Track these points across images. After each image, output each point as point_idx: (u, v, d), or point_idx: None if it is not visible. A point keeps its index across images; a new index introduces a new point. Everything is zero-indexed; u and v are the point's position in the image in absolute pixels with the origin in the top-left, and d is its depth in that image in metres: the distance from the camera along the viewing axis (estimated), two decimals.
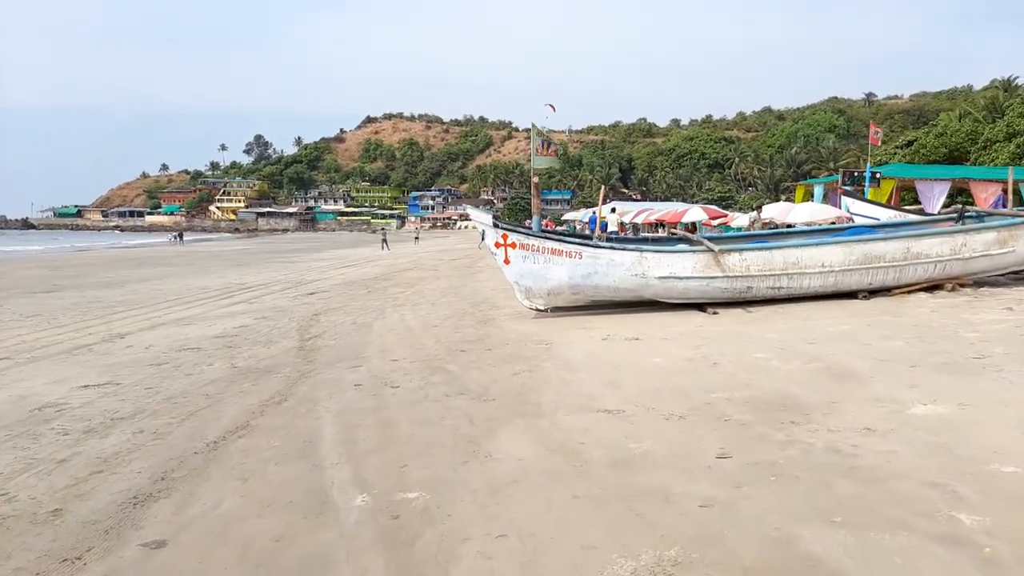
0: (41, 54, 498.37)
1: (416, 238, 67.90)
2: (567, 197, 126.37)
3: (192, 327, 12.46)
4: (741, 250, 10.18)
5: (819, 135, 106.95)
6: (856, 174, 34.89)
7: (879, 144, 35.81)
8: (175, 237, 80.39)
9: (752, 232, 13.08)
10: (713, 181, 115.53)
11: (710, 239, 11.12)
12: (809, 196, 40.35)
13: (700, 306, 10.58)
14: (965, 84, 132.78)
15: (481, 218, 10.40)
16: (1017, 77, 67.22)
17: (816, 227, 19.22)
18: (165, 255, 46.38)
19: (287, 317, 13.10)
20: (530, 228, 10.63)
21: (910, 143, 60.77)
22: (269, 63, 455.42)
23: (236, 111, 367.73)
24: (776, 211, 23.50)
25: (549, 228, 10.79)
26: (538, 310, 10.77)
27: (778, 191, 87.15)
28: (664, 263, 10.11)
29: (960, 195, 32.97)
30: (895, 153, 59.02)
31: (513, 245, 10.41)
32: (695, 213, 29.49)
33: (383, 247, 49.20)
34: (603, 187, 11.12)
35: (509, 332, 9.74)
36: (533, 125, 10.59)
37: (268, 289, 20.15)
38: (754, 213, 24.81)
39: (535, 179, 10.53)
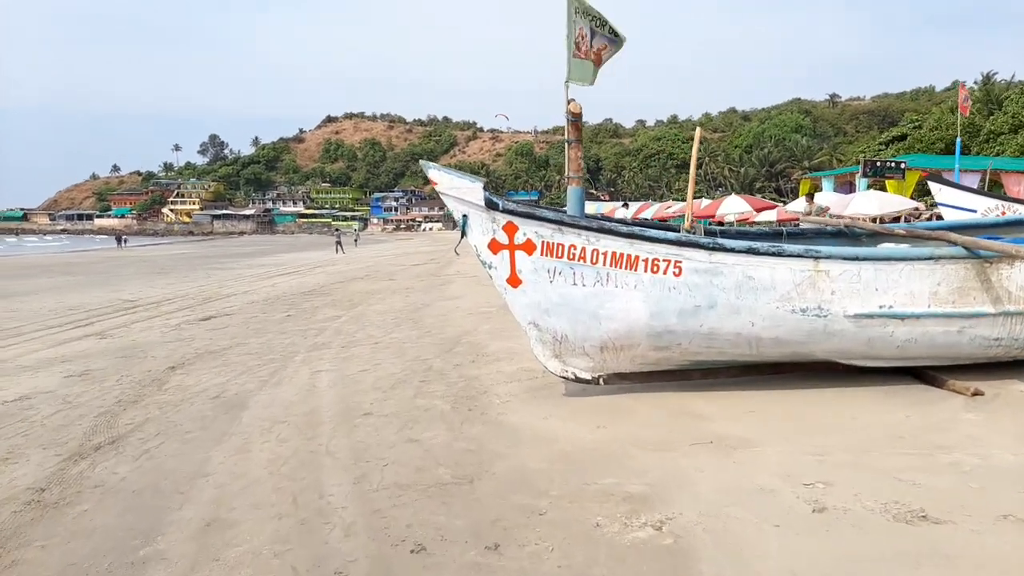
0: None
1: (355, 240, 57.77)
2: (535, 198, 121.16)
3: None
4: None
5: (786, 135, 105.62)
6: (879, 164, 30.45)
7: (967, 113, 31.09)
8: (122, 240, 73.39)
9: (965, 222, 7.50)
10: (682, 181, 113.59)
11: (956, 228, 5.74)
12: (816, 190, 35.89)
13: (913, 371, 5.25)
14: (928, 85, 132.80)
15: (460, 190, 4.89)
16: (996, 72, 65.09)
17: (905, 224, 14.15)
18: (84, 261, 39.97)
19: (121, 373, 7.55)
20: (564, 211, 5.20)
21: (902, 137, 57.29)
22: (225, 62, 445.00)
23: (191, 111, 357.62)
24: (830, 201, 18.33)
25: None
26: (578, 379, 5.31)
27: (752, 190, 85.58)
28: (871, 284, 4.73)
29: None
30: (881, 148, 55.32)
31: (528, 246, 4.99)
32: (733, 203, 23.81)
33: (337, 250, 43.49)
34: (698, 128, 5.41)
35: (528, 449, 4.26)
36: None
37: (157, 309, 14.49)
38: (803, 202, 19.54)
39: (573, 107, 5.08)
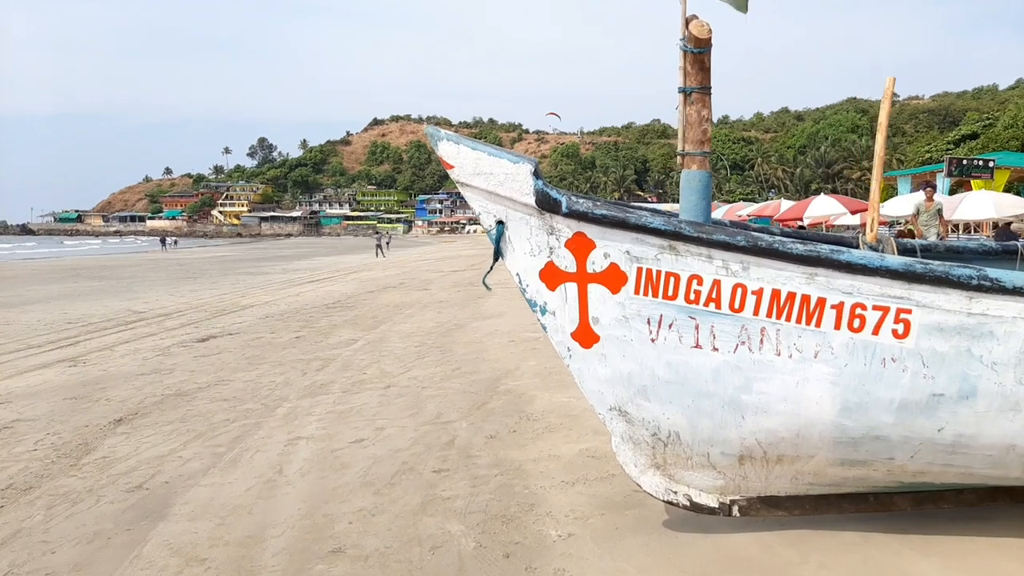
0: (46, 63, 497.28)
1: (387, 243, 50.49)
2: None
3: None
4: None
5: (842, 135, 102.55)
6: (965, 162, 27.68)
7: None
8: (173, 243, 73.61)
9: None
10: (733, 183, 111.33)
11: None
12: (890, 191, 33.26)
13: None
14: (991, 83, 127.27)
15: (493, 177, 2.77)
16: None
17: None
18: (117, 265, 39.05)
19: (49, 429, 5.74)
20: (664, 215, 3.03)
21: (973, 135, 53.85)
22: (274, 68, 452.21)
23: (241, 115, 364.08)
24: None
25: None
26: (694, 506, 3.14)
27: (807, 192, 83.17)
28: None
29: None
30: (950, 148, 51.88)
31: (612, 277, 2.88)
32: (822, 204, 21.06)
33: (377, 254, 41.87)
34: (889, 78, 3.10)
35: None
36: None
37: (160, 325, 12.82)
38: (919, 196, 16.84)
39: (695, 27, 2.86)
